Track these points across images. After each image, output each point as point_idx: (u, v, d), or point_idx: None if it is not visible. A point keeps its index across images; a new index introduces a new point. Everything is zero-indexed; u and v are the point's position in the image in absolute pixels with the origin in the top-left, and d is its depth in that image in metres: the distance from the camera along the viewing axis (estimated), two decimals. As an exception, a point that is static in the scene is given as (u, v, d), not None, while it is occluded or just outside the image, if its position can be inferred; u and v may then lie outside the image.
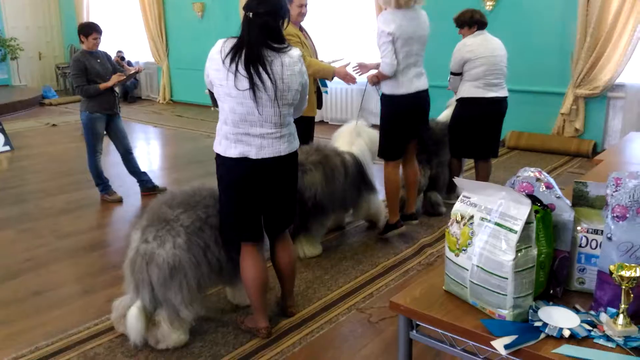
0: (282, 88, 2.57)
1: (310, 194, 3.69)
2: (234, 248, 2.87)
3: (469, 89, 4.37)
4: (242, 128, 2.59)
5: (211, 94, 2.74)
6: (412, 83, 3.80)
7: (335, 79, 4.10)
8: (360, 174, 4.10)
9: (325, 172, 3.78)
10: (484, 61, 4.26)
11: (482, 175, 4.68)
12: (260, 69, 2.51)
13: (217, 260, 2.85)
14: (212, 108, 2.83)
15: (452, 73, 4.48)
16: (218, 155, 2.71)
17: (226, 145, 2.64)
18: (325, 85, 4.60)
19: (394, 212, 4.12)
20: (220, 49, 2.58)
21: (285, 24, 2.67)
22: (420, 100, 3.90)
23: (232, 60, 2.52)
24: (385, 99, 3.88)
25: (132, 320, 2.72)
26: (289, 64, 2.58)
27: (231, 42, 2.58)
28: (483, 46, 4.29)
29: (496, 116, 4.48)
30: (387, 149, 4.00)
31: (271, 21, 2.57)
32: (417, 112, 3.93)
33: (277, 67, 2.55)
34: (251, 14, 2.55)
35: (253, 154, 2.61)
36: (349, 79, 4.07)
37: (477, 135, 4.46)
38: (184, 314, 2.76)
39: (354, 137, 4.24)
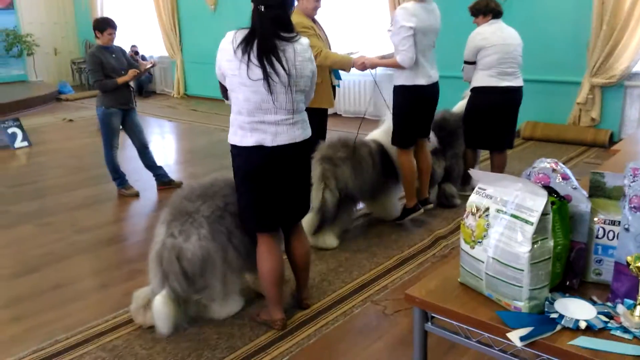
0: (295, 74, 2.61)
1: (341, 185, 3.83)
2: (256, 236, 2.93)
3: (482, 78, 4.34)
4: (257, 116, 2.62)
5: (222, 86, 2.77)
6: (429, 74, 3.94)
7: (352, 69, 4.11)
8: (384, 158, 4.17)
9: (354, 165, 3.91)
10: (497, 49, 4.22)
11: (498, 166, 4.64)
12: (273, 59, 2.55)
13: (241, 243, 2.94)
14: (226, 101, 2.85)
15: (465, 62, 4.45)
16: (234, 146, 2.73)
17: (242, 135, 2.66)
18: (339, 78, 4.58)
19: (411, 196, 4.17)
20: (231, 39, 2.60)
21: (292, 11, 2.73)
22: (435, 90, 4.05)
23: (244, 52, 2.55)
24: (403, 89, 3.94)
25: (159, 307, 2.79)
26: (300, 51, 2.64)
27: (242, 34, 2.60)
28: (497, 34, 4.25)
29: (511, 106, 4.44)
30: (402, 137, 4.06)
31: (282, 12, 2.63)
32: (432, 100, 4.08)
33: (290, 54, 2.60)
34: (263, 7, 2.57)
35: (269, 141, 2.64)
36: (366, 65, 4.07)
37: (492, 126, 4.43)
38: (220, 294, 2.93)
39: (381, 125, 4.38)
